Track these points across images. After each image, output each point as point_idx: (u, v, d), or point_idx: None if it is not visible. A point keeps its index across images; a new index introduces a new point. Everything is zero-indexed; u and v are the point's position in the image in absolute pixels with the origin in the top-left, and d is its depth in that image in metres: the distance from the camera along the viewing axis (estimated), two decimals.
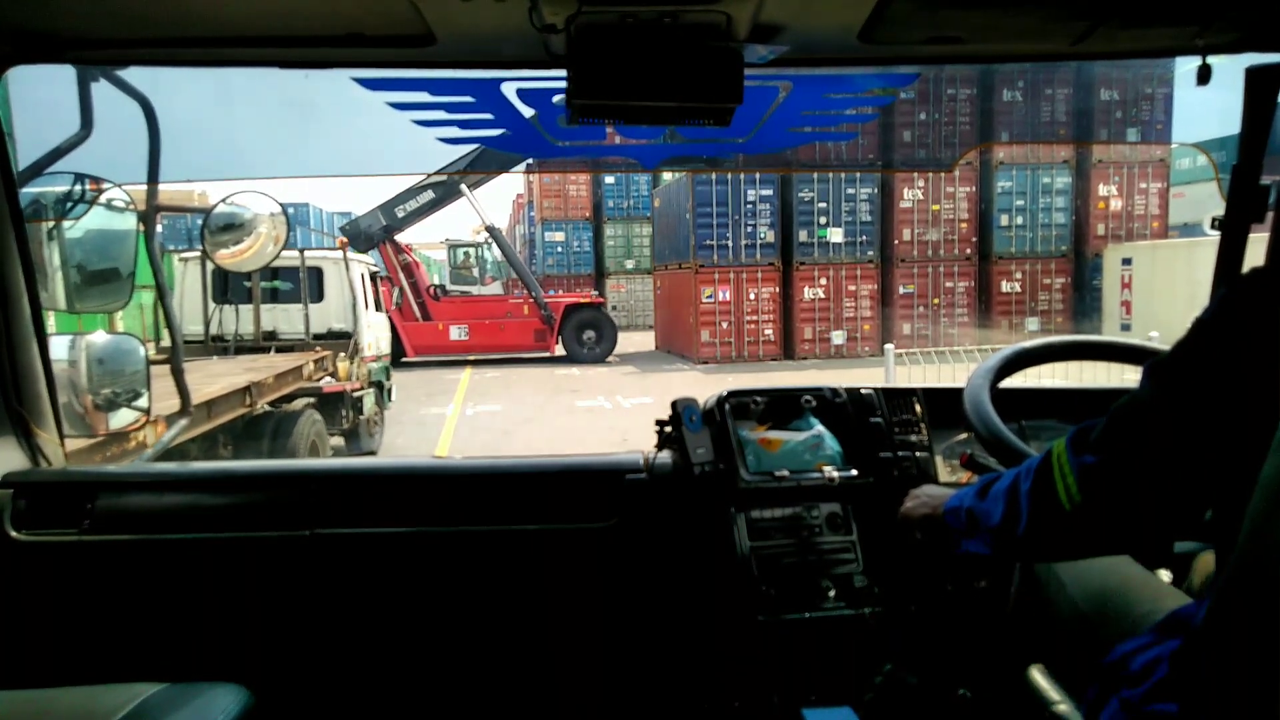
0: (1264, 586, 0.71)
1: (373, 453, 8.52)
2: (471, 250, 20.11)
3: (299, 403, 7.08)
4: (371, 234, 15.55)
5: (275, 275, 8.61)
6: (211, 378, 6.08)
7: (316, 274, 8.76)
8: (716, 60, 1.33)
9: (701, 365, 16.99)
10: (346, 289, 8.70)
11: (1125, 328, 15.49)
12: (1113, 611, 1.21)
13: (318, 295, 8.76)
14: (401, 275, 13.30)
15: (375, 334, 9.31)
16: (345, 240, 11.39)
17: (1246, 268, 1.60)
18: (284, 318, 8.65)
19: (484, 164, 12.39)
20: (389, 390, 9.50)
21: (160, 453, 3.04)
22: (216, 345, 8.42)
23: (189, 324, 8.37)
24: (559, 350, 17.08)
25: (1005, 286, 18.21)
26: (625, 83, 1.32)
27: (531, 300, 16.62)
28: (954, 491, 1.23)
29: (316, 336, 8.59)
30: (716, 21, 1.28)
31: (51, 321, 1.89)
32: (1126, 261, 16.24)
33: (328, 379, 7.82)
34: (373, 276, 9.83)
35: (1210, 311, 0.89)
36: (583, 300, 18.21)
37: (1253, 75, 1.51)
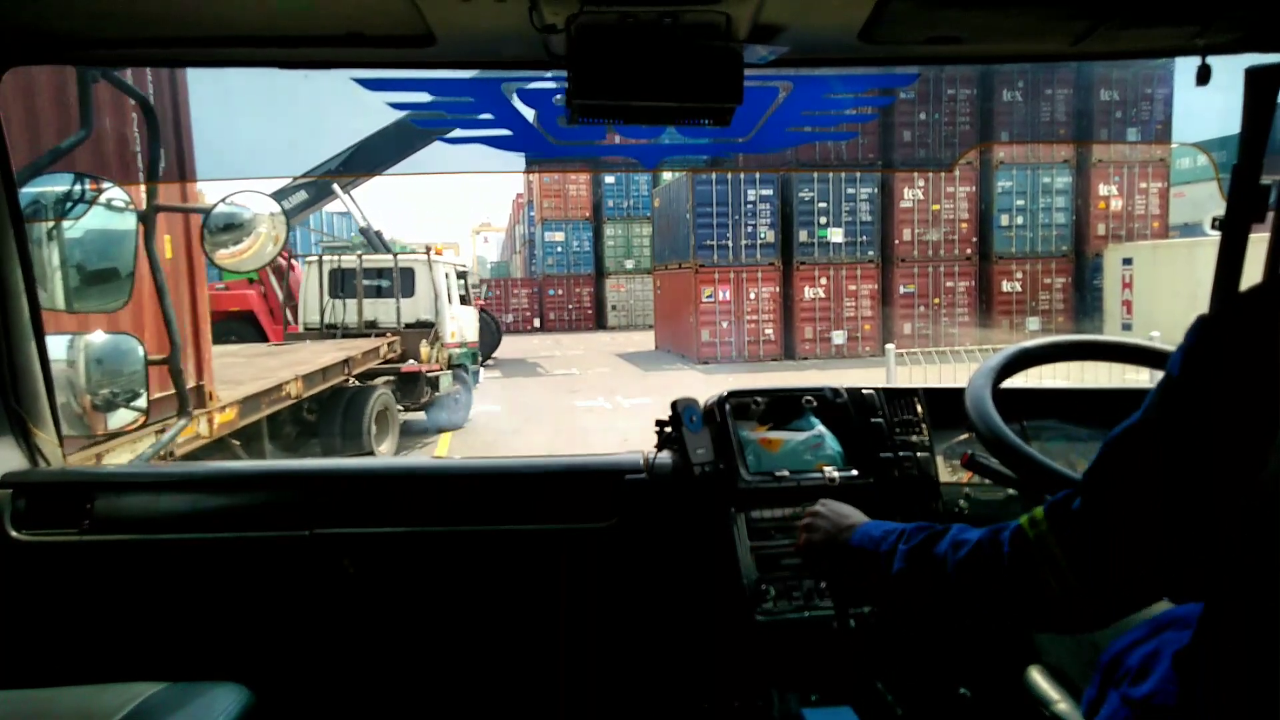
0: (1264, 584, 0.71)
1: (456, 425, 10.30)
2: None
3: (378, 380, 8.63)
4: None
5: (379, 275, 10.41)
6: (318, 354, 7.97)
7: (409, 274, 10.45)
8: (716, 60, 1.33)
9: (702, 365, 17.02)
10: (430, 286, 10.33)
11: (1126, 327, 15.52)
12: None
13: (409, 291, 10.35)
14: (272, 277, 13.10)
15: (459, 324, 10.96)
16: (437, 246, 13.12)
17: (1227, 278, 1.60)
18: (384, 309, 10.26)
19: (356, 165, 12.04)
20: (475, 373, 11.15)
21: (160, 452, 3.04)
22: (330, 331, 10.17)
23: (310, 315, 10.50)
24: None
25: (1006, 286, 18.27)
26: (625, 83, 1.32)
27: None
28: (863, 518, 1.13)
29: (407, 325, 10.09)
30: (716, 21, 1.28)
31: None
32: (1127, 261, 16.29)
33: (411, 361, 9.44)
34: (460, 275, 11.45)
35: (1184, 352, 0.82)
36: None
37: (1253, 75, 1.51)
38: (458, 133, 1.67)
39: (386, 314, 10.26)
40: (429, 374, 9.69)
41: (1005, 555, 0.88)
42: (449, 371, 10.16)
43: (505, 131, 1.68)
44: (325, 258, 11.04)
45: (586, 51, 1.31)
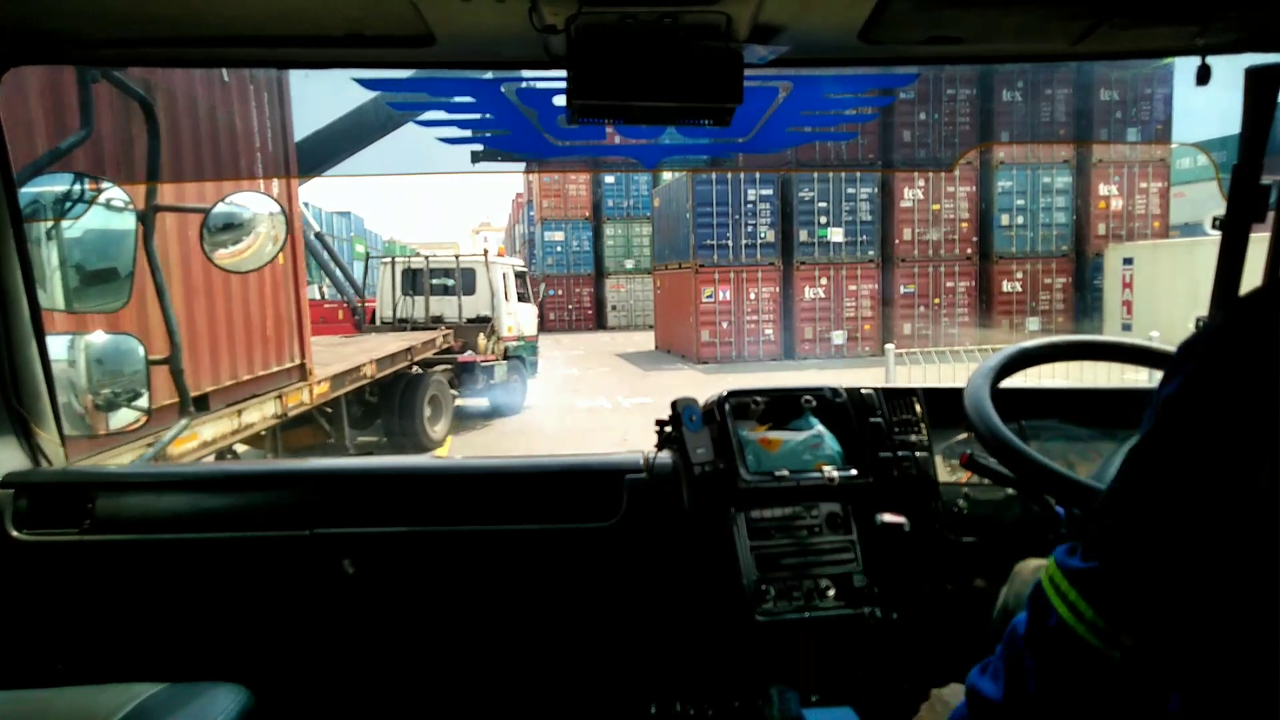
0: (1263, 585, 0.71)
1: (512, 412, 11.34)
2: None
3: (436, 369, 9.65)
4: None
5: (445, 274, 11.66)
6: (383, 344, 9.23)
7: (470, 273, 11.63)
8: (716, 60, 1.33)
9: (701, 365, 17.01)
10: (488, 285, 11.47)
11: (1126, 327, 15.51)
12: None
13: (470, 289, 11.53)
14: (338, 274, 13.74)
15: (516, 319, 11.99)
16: (500, 247, 14.31)
17: (1231, 283, 1.60)
18: (449, 305, 11.48)
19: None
20: (532, 363, 12.30)
21: (160, 452, 3.03)
22: (401, 325, 11.32)
23: (384, 310, 11.72)
24: None
25: (1006, 286, 18.25)
26: (625, 83, 1.32)
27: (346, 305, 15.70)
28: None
29: (468, 320, 11.30)
30: (716, 22, 1.28)
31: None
32: (1128, 261, 16.26)
33: (468, 351, 10.64)
34: (519, 275, 12.37)
35: (1175, 386, 0.78)
36: None
37: (1253, 75, 1.51)
38: (457, 133, 1.67)
39: (451, 310, 11.43)
40: (484, 364, 10.73)
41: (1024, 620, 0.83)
42: (504, 362, 11.18)
43: (505, 131, 1.68)
44: (398, 259, 12.29)
45: (586, 52, 1.31)
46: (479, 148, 1.73)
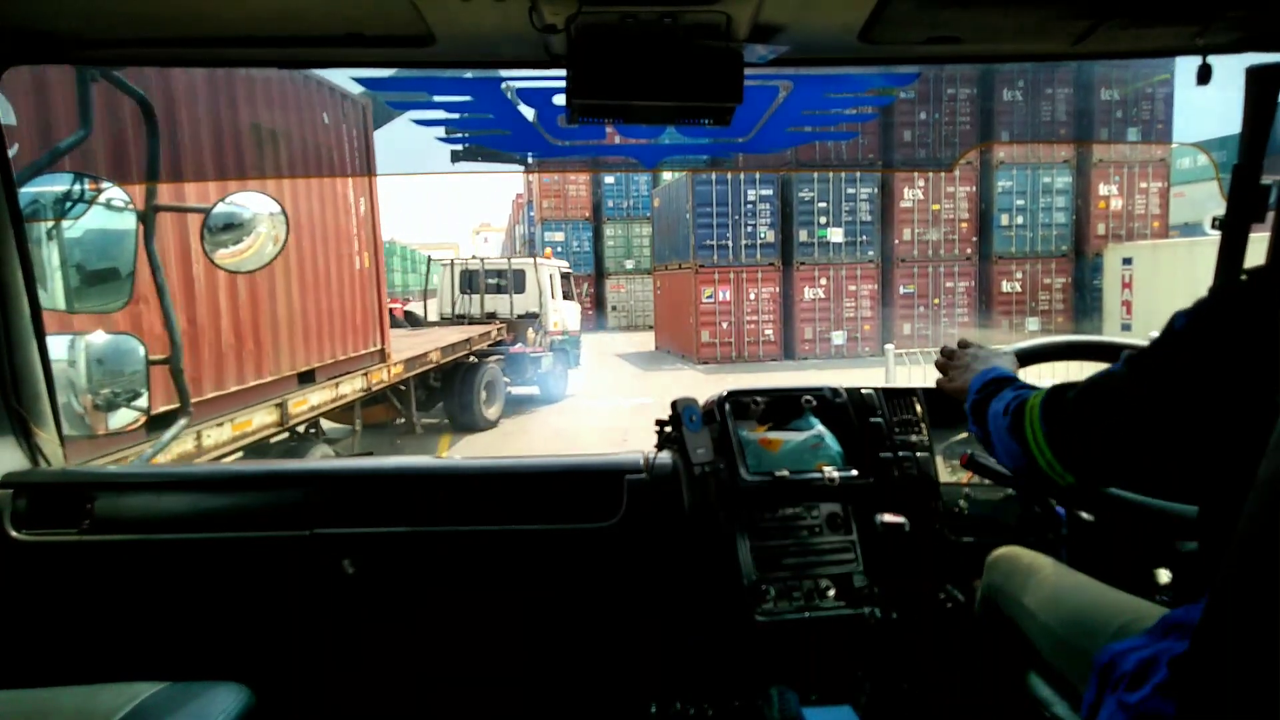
0: (1263, 586, 0.71)
1: (557, 399, 12.72)
2: None
3: (490, 359, 10.96)
4: None
5: (498, 275, 13.06)
6: (445, 336, 10.41)
7: (521, 274, 12.97)
8: (716, 60, 1.32)
9: (702, 365, 16.98)
10: (536, 284, 12.85)
11: (1126, 328, 15.46)
12: (1090, 629, 1.19)
13: (520, 288, 12.88)
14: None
15: (561, 316, 13.34)
16: (546, 250, 16.78)
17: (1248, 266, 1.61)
18: (501, 303, 12.78)
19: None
20: (575, 355, 13.77)
21: (160, 452, 3.02)
22: (459, 320, 12.67)
23: (444, 307, 13.14)
24: None
25: (1005, 286, 18.20)
26: (625, 82, 1.32)
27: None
28: (979, 374, 1.26)
29: (518, 316, 12.54)
30: (716, 21, 1.28)
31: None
32: (1127, 261, 16.18)
33: (519, 344, 11.97)
34: (564, 275, 13.76)
35: (1192, 314, 0.90)
36: None
37: (1253, 75, 1.51)
38: (457, 132, 1.67)
39: (503, 307, 12.75)
40: (532, 355, 12.15)
41: (1009, 415, 1.06)
42: (550, 354, 12.62)
43: (505, 131, 1.67)
44: (455, 261, 13.67)
45: (586, 51, 1.31)
46: (473, 146, 1.73)
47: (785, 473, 1.69)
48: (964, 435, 1.83)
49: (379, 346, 7.69)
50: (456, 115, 1.65)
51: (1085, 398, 0.98)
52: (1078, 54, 1.56)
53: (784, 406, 1.82)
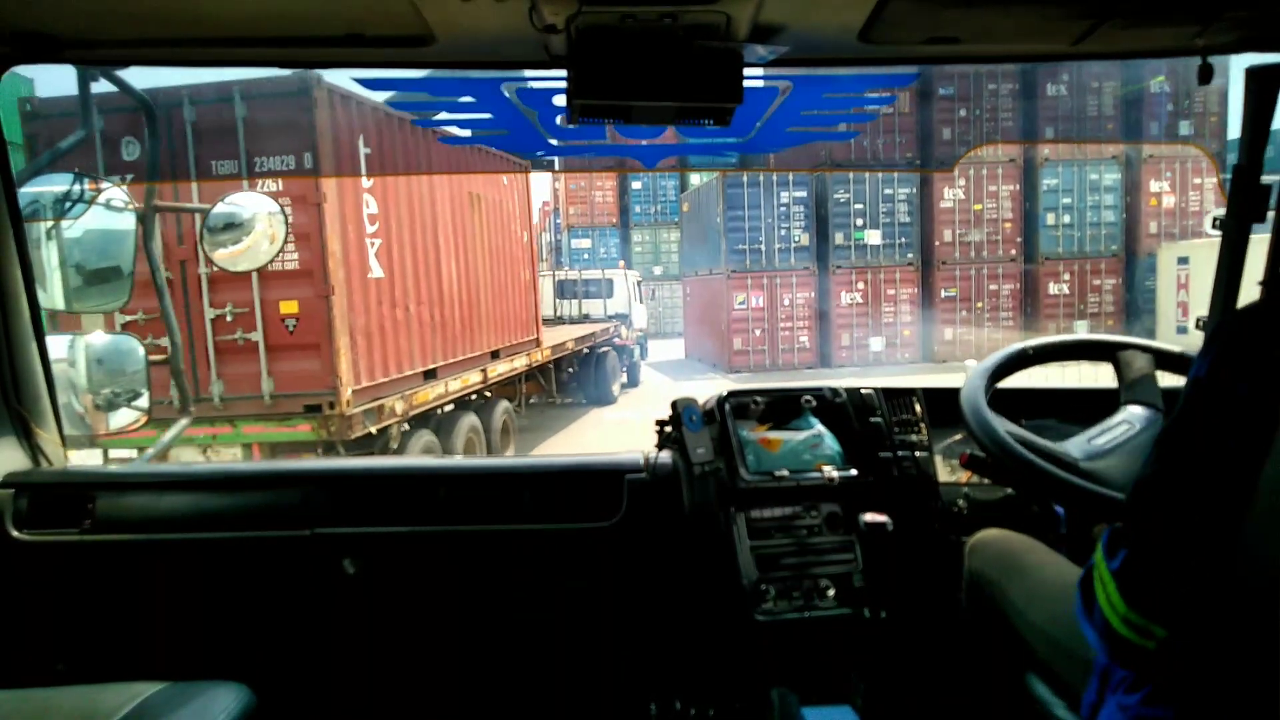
0: (1263, 588, 0.71)
1: (635, 384, 15.42)
2: None
3: (606, 348, 13.56)
4: None
5: (588, 283, 15.92)
6: (571, 331, 12.60)
7: (610, 282, 16.02)
8: (716, 60, 1.32)
9: (734, 374, 16.21)
10: (624, 290, 16.00)
11: (1182, 330, 14.27)
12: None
13: (610, 293, 15.87)
14: None
15: (639, 316, 16.67)
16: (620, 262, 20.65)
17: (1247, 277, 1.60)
18: (595, 306, 15.63)
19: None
20: (645, 349, 17.27)
21: (161, 452, 3.02)
22: (559, 321, 14.73)
23: (545, 310, 14.03)
24: None
25: (1052, 288, 17.12)
26: (625, 83, 1.32)
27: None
28: None
29: (610, 317, 15.21)
30: (716, 22, 1.28)
31: None
32: (1183, 260, 15.04)
33: (619, 337, 14.59)
34: (638, 283, 17.05)
35: (1202, 368, 0.81)
36: None
37: (1253, 75, 1.51)
38: (457, 132, 1.67)
39: (596, 309, 15.44)
40: (629, 348, 15.16)
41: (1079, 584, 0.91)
42: (636, 346, 15.79)
43: (504, 131, 1.67)
44: (555, 272, 16.51)
45: (586, 51, 1.30)
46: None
47: (785, 472, 1.69)
48: (963, 435, 1.83)
49: (534, 336, 10.44)
50: (456, 115, 1.65)
51: (1141, 501, 0.84)
52: (1078, 54, 1.56)
53: (784, 406, 1.82)
